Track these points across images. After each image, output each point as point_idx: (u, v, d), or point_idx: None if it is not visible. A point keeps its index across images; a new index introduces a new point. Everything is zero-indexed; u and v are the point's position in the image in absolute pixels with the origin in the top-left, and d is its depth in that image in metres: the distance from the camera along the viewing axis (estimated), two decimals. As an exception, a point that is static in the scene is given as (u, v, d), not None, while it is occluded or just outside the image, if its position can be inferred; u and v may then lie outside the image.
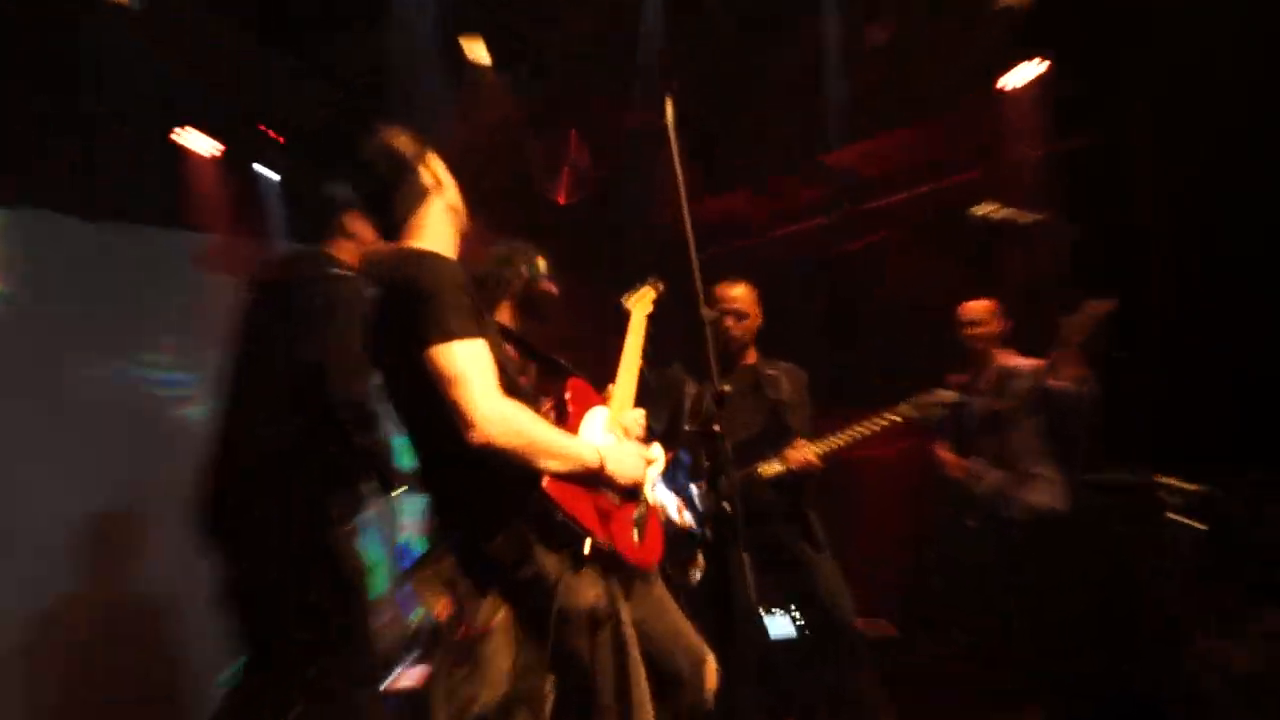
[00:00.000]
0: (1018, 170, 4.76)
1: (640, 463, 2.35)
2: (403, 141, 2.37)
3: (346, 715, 2.84)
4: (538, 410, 2.31)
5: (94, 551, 4.50)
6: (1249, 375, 4.07)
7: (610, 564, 2.23)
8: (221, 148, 4.86)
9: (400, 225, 2.34)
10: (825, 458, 3.70)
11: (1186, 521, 3.61)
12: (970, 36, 4.60)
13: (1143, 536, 3.85)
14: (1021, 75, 4.70)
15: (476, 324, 2.15)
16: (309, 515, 2.79)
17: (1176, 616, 3.68)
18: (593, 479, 2.21)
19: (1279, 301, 4.02)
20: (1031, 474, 4.24)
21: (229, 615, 2.87)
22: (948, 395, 3.88)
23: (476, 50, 4.86)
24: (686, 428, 3.57)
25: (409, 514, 4.69)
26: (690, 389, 3.62)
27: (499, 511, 2.16)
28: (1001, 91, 4.77)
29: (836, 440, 3.73)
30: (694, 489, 3.70)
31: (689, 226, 2.39)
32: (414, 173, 2.35)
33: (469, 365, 2.07)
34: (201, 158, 4.89)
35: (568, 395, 2.46)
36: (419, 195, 2.34)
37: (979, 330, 4.45)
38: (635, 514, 2.36)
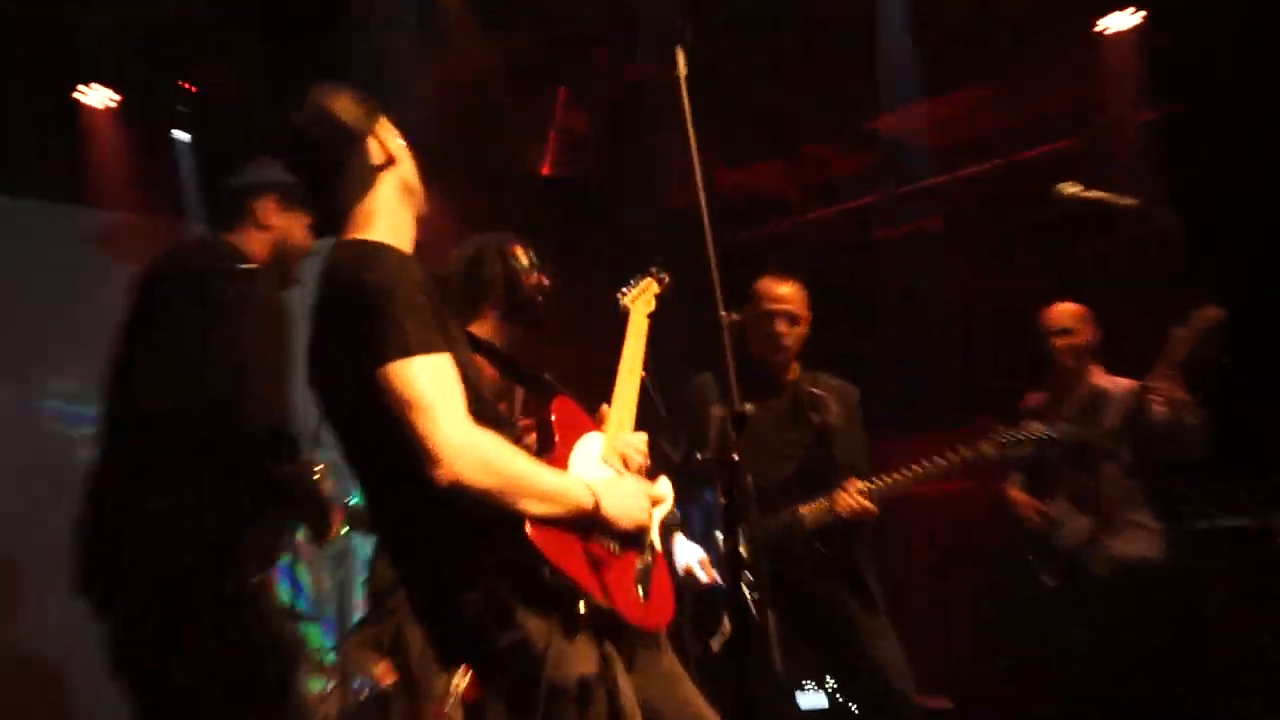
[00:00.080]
0: (1116, 140, 4.75)
1: (643, 502, 2.32)
2: (345, 107, 2.33)
3: None
4: (518, 439, 2.29)
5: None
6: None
7: (608, 627, 2.21)
8: (118, 99, 4.85)
9: (343, 213, 2.31)
10: (881, 500, 3.68)
11: None
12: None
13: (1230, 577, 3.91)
14: (1123, 20, 4.70)
15: (440, 334, 2.13)
16: (208, 564, 2.78)
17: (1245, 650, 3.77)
18: (586, 523, 2.20)
19: None
20: (1125, 521, 4.23)
21: (121, 686, 2.86)
22: (1039, 430, 3.84)
23: None
24: (699, 456, 3.56)
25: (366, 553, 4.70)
26: (717, 410, 3.64)
27: (470, 564, 2.14)
28: (1100, 38, 4.73)
29: (895, 480, 3.71)
30: (720, 536, 3.69)
31: (705, 206, 2.36)
32: (360, 146, 2.31)
33: (432, 387, 2.05)
34: (103, 115, 4.90)
35: (554, 419, 2.43)
36: (366, 175, 2.31)
37: (1069, 341, 4.40)
38: (638, 565, 2.34)
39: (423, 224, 2.44)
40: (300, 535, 3.25)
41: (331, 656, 4.52)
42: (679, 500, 2.66)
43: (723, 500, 2.27)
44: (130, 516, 2.82)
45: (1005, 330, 4.89)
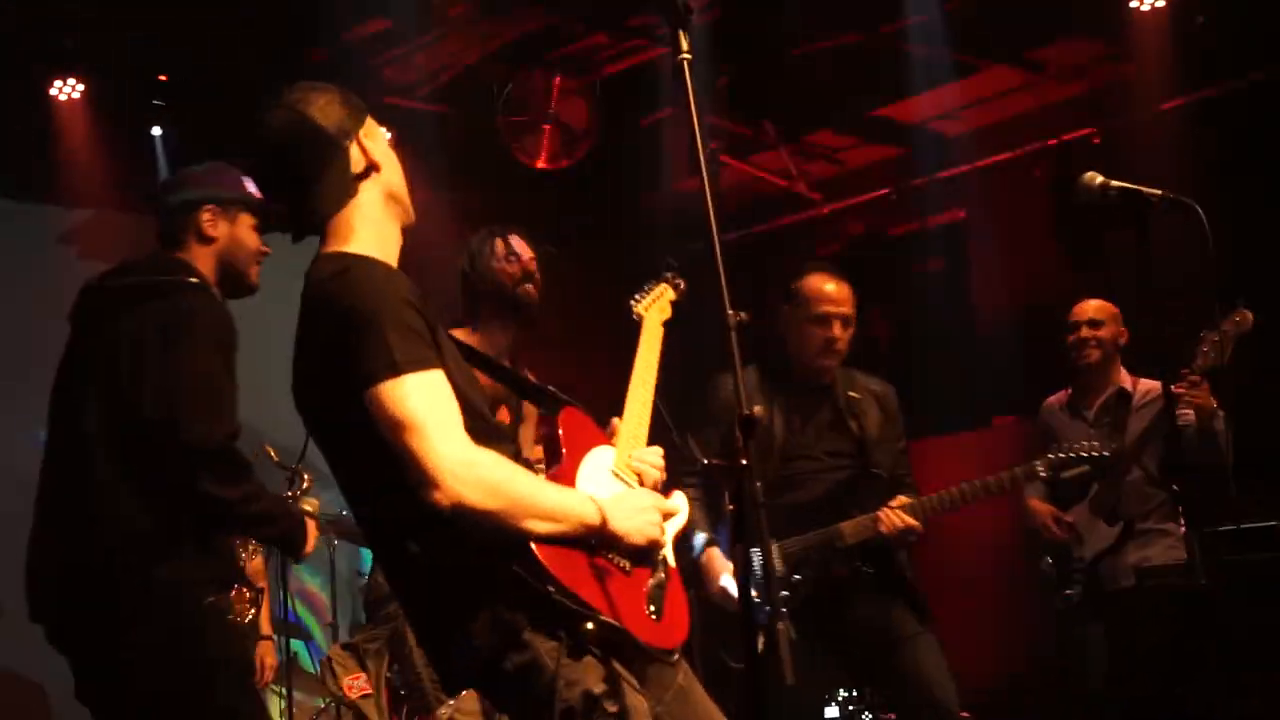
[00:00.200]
0: (1149, 128, 4.74)
1: (655, 516, 2.29)
2: (324, 109, 2.25)
3: None
4: (518, 454, 2.29)
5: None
6: None
7: (619, 647, 2.21)
8: (85, 88, 4.83)
9: (322, 223, 2.26)
10: (925, 518, 3.66)
11: None
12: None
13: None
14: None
15: (431, 349, 2.11)
16: (157, 587, 2.78)
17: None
18: (593, 539, 2.19)
19: None
20: (1150, 530, 4.24)
21: (89, 709, 2.87)
22: (1092, 449, 3.79)
23: None
24: (705, 461, 3.55)
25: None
26: (759, 409, 3.63)
27: (473, 585, 2.13)
28: (1132, 16, 4.69)
29: (942, 498, 3.70)
30: (752, 551, 3.66)
31: (710, 200, 2.33)
32: (338, 154, 2.24)
33: (426, 405, 2.03)
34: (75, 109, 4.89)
35: (561, 432, 2.40)
36: (345, 184, 2.25)
37: (1098, 333, 4.39)
38: (650, 582, 2.33)
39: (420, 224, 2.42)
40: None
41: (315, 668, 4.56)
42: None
43: (730, 508, 2.26)
44: (73, 541, 2.83)
45: (1031, 327, 4.87)
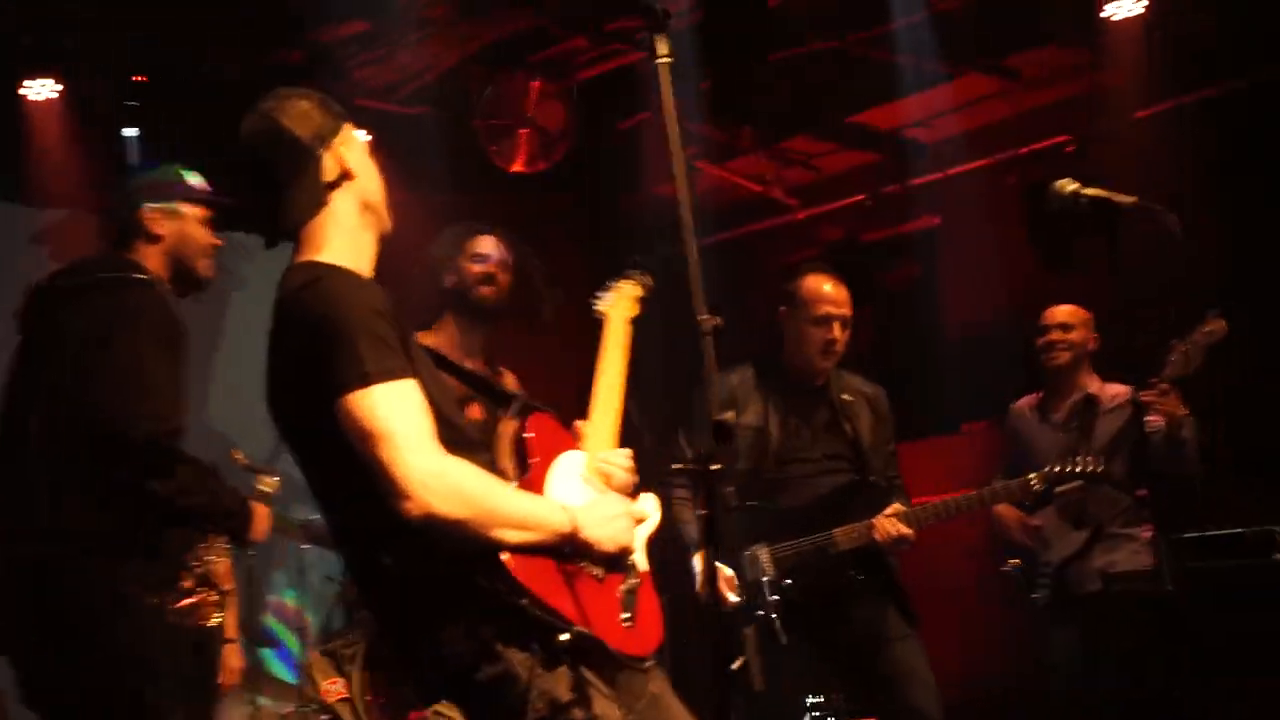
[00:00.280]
0: (1122, 134, 4.76)
1: (625, 522, 2.30)
2: (299, 117, 2.26)
3: None
4: (492, 463, 2.29)
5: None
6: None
7: (591, 655, 2.21)
8: (61, 88, 4.81)
9: (295, 230, 2.27)
10: (918, 526, 3.70)
11: None
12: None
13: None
14: (1129, 5, 4.67)
15: (402, 359, 2.12)
16: (98, 594, 2.77)
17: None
18: (565, 548, 2.20)
19: None
20: (1117, 535, 4.26)
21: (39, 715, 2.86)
22: (1087, 464, 3.84)
23: None
24: (676, 466, 3.56)
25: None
26: (755, 407, 3.60)
27: (444, 595, 2.13)
28: (1106, 25, 4.72)
29: (935, 509, 3.74)
30: (745, 555, 3.69)
31: (688, 205, 2.33)
32: (311, 162, 2.25)
33: (396, 415, 2.03)
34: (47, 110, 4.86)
35: (529, 436, 2.41)
36: (317, 192, 2.26)
37: (1068, 336, 4.44)
38: (623, 588, 2.34)
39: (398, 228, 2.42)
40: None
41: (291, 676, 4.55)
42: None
43: (701, 511, 2.26)
44: (15, 542, 2.84)
45: (1004, 333, 4.89)
